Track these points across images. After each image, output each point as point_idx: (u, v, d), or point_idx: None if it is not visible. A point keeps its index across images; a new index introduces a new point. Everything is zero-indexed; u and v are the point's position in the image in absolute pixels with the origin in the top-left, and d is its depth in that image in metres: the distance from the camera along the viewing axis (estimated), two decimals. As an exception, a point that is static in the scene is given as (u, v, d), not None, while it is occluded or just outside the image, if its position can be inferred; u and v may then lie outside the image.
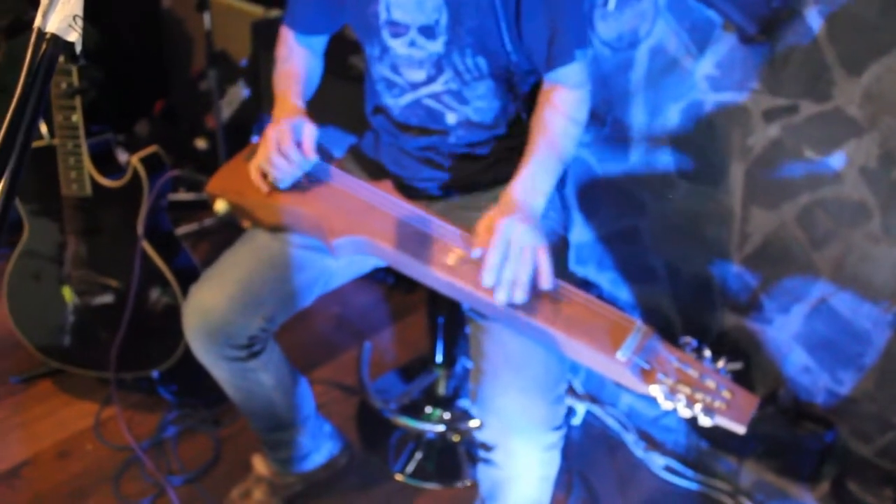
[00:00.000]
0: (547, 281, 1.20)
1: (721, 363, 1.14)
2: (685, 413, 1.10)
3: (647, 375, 1.13)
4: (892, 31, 1.40)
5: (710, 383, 1.11)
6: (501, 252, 1.18)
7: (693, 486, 1.87)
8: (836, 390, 1.72)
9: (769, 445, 1.80)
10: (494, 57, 1.39)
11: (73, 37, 0.66)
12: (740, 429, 1.09)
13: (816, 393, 1.76)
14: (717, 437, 1.89)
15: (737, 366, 1.94)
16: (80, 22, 0.67)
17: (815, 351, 1.72)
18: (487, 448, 1.31)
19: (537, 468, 1.30)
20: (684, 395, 1.10)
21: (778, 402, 1.81)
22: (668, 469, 1.90)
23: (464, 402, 1.96)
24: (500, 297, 1.18)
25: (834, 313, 1.66)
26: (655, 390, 1.11)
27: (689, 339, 1.17)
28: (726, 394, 1.11)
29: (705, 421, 1.10)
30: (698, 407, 1.09)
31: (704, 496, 1.85)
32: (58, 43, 0.66)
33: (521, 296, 1.17)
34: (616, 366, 1.14)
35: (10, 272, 1.88)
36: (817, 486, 1.77)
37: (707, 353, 1.15)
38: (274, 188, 1.39)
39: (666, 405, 1.11)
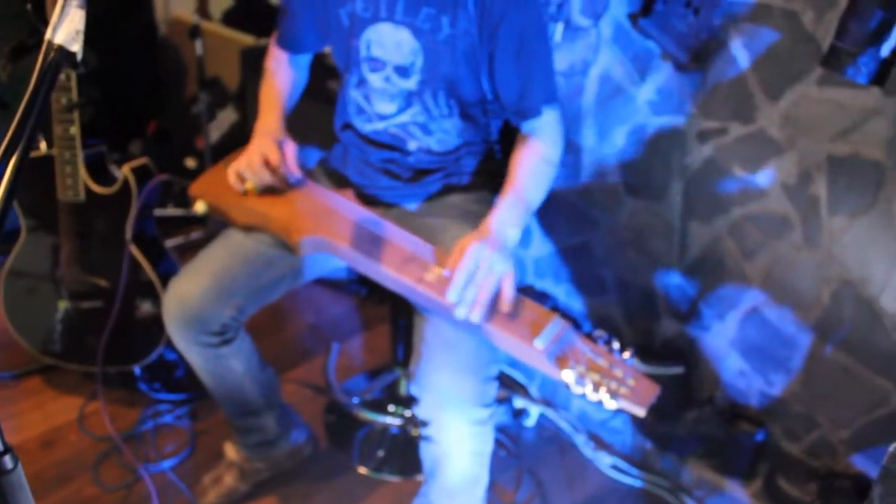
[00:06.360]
0: (508, 305, 1.30)
1: (627, 354, 1.27)
2: (593, 397, 1.22)
3: (560, 362, 1.26)
4: (803, 61, 1.56)
5: (618, 372, 1.24)
6: (468, 273, 1.28)
7: (637, 483, 1.98)
8: (768, 392, 1.85)
9: (708, 445, 1.93)
10: (466, 102, 1.54)
11: (76, 47, 0.81)
12: (640, 412, 1.21)
13: (751, 395, 1.88)
14: (660, 437, 2.01)
15: (678, 370, 2.08)
16: (81, 36, 0.81)
17: (749, 355, 1.85)
18: (424, 424, 1.44)
19: (469, 442, 1.42)
20: (592, 381, 1.22)
21: (715, 404, 1.94)
22: (615, 468, 2.01)
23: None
24: (459, 314, 1.28)
25: (764, 319, 1.80)
26: (567, 375, 1.23)
27: (601, 333, 1.30)
28: (631, 381, 1.23)
29: (611, 404, 1.22)
30: (603, 390, 1.21)
31: (648, 493, 1.96)
32: (63, 52, 0.79)
33: (477, 316, 1.27)
34: (534, 353, 1.27)
35: (6, 277, 2.01)
36: (751, 482, 1.89)
37: (616, 344, 1.28)
38: (247, 191, 1.54)
39: (576, 389, 1.23)
